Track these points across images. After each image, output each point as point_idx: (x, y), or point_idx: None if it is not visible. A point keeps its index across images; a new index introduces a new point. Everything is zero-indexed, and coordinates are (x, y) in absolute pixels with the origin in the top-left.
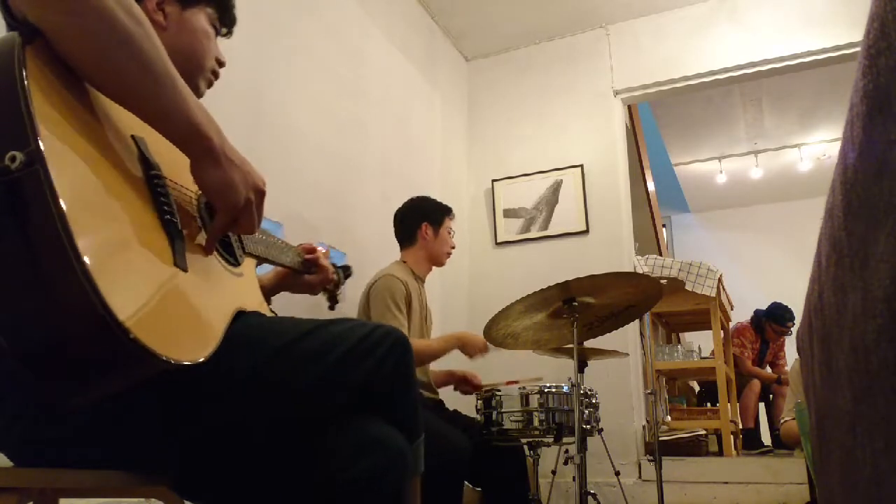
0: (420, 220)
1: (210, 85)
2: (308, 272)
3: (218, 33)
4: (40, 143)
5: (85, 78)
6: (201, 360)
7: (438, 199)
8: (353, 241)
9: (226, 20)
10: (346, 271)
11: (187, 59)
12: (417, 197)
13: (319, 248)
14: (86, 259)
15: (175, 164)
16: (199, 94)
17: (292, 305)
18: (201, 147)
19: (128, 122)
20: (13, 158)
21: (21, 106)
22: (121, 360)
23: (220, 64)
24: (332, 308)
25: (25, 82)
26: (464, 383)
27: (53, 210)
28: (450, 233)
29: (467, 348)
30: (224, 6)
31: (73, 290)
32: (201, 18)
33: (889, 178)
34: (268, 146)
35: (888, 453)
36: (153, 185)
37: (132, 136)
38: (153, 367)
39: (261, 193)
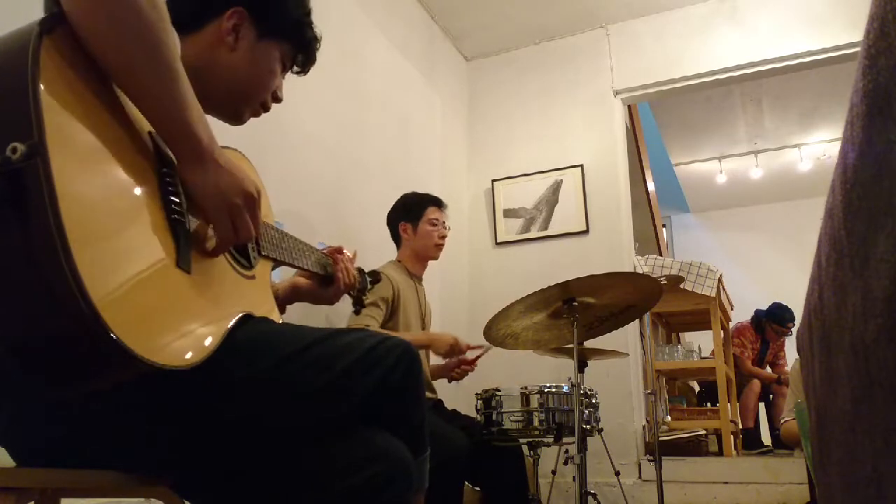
0: (397, 219)
1: (256, 116)
2: (328, 277)
3: (288, 69)
4: (44, 136)
5: (101, 65)
6: (188, 363)
7: (435, 194)
8: (353, 240)
9: (304, 62)
10: (375, 276)
11: (240, 86)
12: (400, 196)
13: (346, 253)
14: (75, 255)
15: None
16: (239, 119)
17: (299, 312)
18: (190, 148)
19: None
20: (14, 150)
21: (28, 97)
22: (102, 359)
23: (276, 99)
24: (357, 313)
25: (35, 73)
26: (457, 364)
27: (49, 203)
28: (434, 224)
29: (435, 346)
30: (307, 49)
31: (61, 285)
32: (273, 53)
33: (889, 178)
34: (268, 145)
35: (888, 453)
36: (164, 182)
37: (149, 132)
38: (135, 368)
39: (251, 199)
